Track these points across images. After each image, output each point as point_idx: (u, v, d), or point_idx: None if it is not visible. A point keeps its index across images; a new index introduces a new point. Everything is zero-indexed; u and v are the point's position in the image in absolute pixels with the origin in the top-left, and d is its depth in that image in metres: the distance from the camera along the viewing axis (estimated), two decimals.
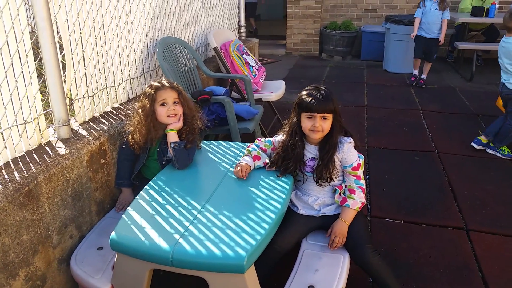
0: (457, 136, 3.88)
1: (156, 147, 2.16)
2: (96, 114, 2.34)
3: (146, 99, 2.08)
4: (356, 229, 1.91)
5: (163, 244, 1.51)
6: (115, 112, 2.41)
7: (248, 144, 2.16)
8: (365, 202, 2.01)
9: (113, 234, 1.59)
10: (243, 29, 4.89)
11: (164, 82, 2.12)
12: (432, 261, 2.26)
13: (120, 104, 2.55)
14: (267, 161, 2.06)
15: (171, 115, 2.09)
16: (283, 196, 1.82)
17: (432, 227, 2.58)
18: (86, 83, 2.22)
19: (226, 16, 4.45)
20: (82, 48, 2.17)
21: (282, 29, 8.01)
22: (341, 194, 1.97)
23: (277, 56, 7.48)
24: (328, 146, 1.92)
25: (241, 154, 2.21)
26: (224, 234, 1.55)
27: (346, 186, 1.99)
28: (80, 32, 2.14)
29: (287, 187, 1.90)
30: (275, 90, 3.52)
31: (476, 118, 4.35)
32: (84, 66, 2.20)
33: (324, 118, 1.88)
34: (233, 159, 2.15)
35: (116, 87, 2.50)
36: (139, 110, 2.10)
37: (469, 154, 3.53)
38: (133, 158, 2.20)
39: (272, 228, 1.63)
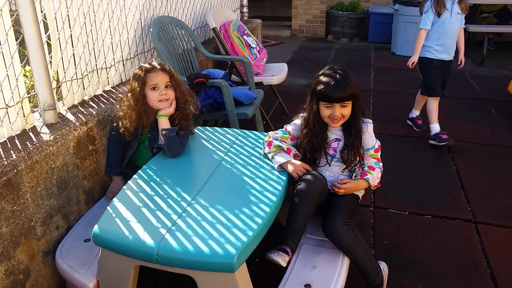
0: (466, 123, 3.73)
1: (147, 133, 2.04)
2: (86, 98, 2.22)
3: (136, 82, 1.95)
4: (338, 202, 1.81)
5: (148, 240, 1.41)
6: (106, 95, 2.29)
7: (267, 141, 1.96)
8: (379, 185, 1.95)
9: (96, 227, 1.49)
10: (245, 9, 4.71)
11: (155, 63, 1.99)
12: (438, 256, 2.15)
13: (112, 87, 2.43)
14: (298, 153, 1.97)
15: (162, 100, 1.97)
16: (279, 187, 1.71)
17: (438, 219, 2.46)
18: (75, 65, 2.10)
19: None
20: (70, 28, 2.04)
21: (287, 10, 7.78)
22: (360, 170, 1.93)
23: (281, 38, 7.28)
24: (354, 131, 1.88)
25: (237, 141, 2.09)
26: (214, 230, 1.45)
27: (366, 166, 1.95)
28: (67, 11, 2.00)
29: (283, 178, 1.79)
30: (276, 73, 3.38)
31: (486, 104, 4.18)
32: (72, 47, 2.07)
33: (343, 106, 1.81)
34: (228, 147, 2.03)
35: (108, 69, 2.37)
36: (129, 94, 1.98)
37: (479, 141, 3.38)
38: (123, 144, 2.09)
39: (266, 223, 1.52)
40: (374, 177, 1.90)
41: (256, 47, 3.44)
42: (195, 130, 2.20)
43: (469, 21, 6.02)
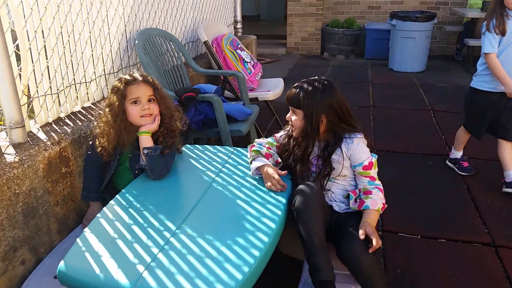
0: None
1: (128, 152, 1.82)
2: (62, 115, 2.01)
3: (115, 96, 1.74)
4: (352, 223, 1.57)
5: (122, 279, 1.17)
6: (84, 112, 2.08)
7: (250, 146, 1.84)
8: (386, 205, 1.68)
9: (61, 264, 1.25)
10: (239, 25, 4.56)
11: (136, 75, 1.78)
12: (457, 284, 1.91)
13: (93, 103, 2.22)
14: (279, 159, 1.80)
15: (145, 115, 1.75)
16: (278, 212, 1.49)
17: (453, 242, 2.22)
18: (49, 79, 1.89)
19: (220, 9, 4.11)
20: (43, 38, 1.84)
21: (282, 29, 7.68)
22: (356, 200, 1.67)
23: (276, 55, 7.15)
24: (329, 138, 1.72)
25: (230, 160, 1.87)
26: (202, 266, 1.21)
27: (360, 190, 1.69)
28: (40, 19, 1.81)
29: (283, 200, 1.56)
30: (272, 89, 3.18)
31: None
32: (46, 59, 1.87)
33: (293, 112, 1.72)
34: (220, 166, 1.81)
35: (88, 84, 2.17)
36: (107, 109, 1.76)
37: (488, 158, 3.17)
38: (101, 166, 1.86)
39: (265, 255, 1.29)
40: (375, 199, 1.64)
41: (250, 62, 3.26)
42: (183, 148, 1.98)
43: (468, 36, 5.93)
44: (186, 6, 3.29)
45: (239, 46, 3.31)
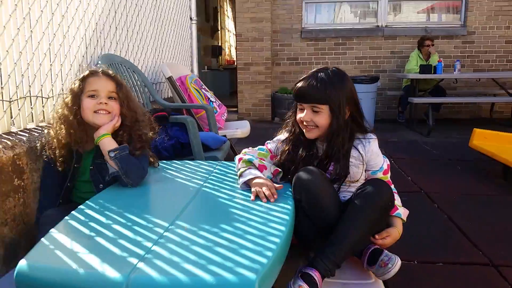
0: (439, 179, 3.56)
1: (88, 164, 1.53)
2: (14, 129, 1.71)
3: (71, 91, 1.51)
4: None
5: (111, 273, 0.87)
6: (40, 130, 1.79)
7: (238, 157, 1.58)
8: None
9: (21, 264, 0.92)
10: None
11: (98, 69, 1.56)
12: None
13: (49, 124, 1.93)
14: (279, 169, 1.55)
15: (99, 110, 1.48)
16: (288, 206, 1.26)
17: (452, 265, 2.07)
18: (1, 83, 1.62)
19: (179, 58, 4.05)
20: None
21: (231, 101, 7.82)
22: None
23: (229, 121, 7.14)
24: (335, 142, 1.47)
25: (216, 170, 1.65)
26: (213, 253, 0.95)
27: None
28: None
29: (288, 207, 1.34)
30: (240, 127, 3.05)
31: (451, 163, 4.11)
32: None
33: (315, 110, 1.45)
34: (207, 175, 1.58)
35: (44, 99, 1.90)
36: (60, 105, 1.51)
37: (459, 193, 3.18)
38: (58, 180, 1.54)
39: (285, 242, 1.05)
40: (404, 209, 1.54)
41: (215, 102, 3.14)
42: (159, 163, 1.72)
43: (407, 99, 6.32)
44: (147, 47, 3.18)
45: (203, 87, 3.20)
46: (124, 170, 1.41)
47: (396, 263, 1.39)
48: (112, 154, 1.42)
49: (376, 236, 1.42)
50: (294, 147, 1.52)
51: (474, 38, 6.68)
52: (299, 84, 1.50)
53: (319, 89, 1.42)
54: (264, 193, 1.33)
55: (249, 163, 1.53)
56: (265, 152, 1.62)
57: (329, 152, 1.48)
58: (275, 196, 1.33)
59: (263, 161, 1.56)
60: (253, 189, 1.36)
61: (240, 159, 1.57)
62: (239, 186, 1.45)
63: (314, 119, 1.45)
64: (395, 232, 1.49)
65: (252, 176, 1.44)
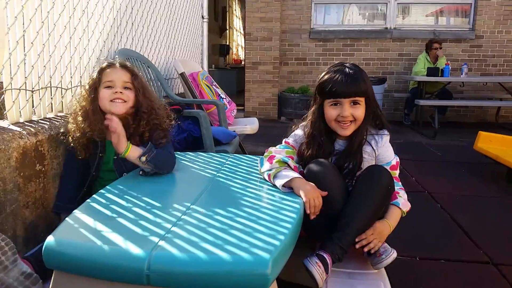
0: (443, 180, 3.61)
1: (112, 153, 1.60)
2: (35, 118, 1.78)
3: (89, 82, 1.60)
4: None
5: (134, 250, 0.94)
6: (59, 118, 1.86)
7: (267, 157, 1.53)
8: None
9: (49, 239, 0.99)
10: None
11: (115, 61, 1.65)
12: None
13: (69, 113, 2.01)
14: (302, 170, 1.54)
15: (115, 99, 1.56)
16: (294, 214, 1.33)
17: (453, 262, 2.12)
18: (25, 73, 1.70)
19: (190, 56, 4.13)
20: (23, 26, 1.68)
21: (238, 100, 7.88)
22: None
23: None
24: (357, 136, 1.48)
25: (228, 162, 1.71)
26: (228, 235, 1.02)
27: None
28: (22, 6, 1.66)
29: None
30: (249, 124, 3.12)
31: (455, 165, 4.15)
32: (24, 51, 1.69)
33: (354, 103, 1.45)
34: (220, 166, 1.64)
35: (63, 90, 1.97)
36: (79, 97, 1.60)
37: (462, 194, 3.22)
38: (80, 171, 1.62)
39: (296, 228, 1.12)
40: (406, 200, 1.54)
41: (226, 98, 3.21)
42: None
43: (414, 102, 6.35)
44: (160, 43, 3.26)
45: (214, 83, 3.28)
46: (158, 167, 1.49)
47: (390, 255, 1.42)
48: (144, 159, 1.47)
49: (357, 246, 1.38)
50: (318, 148, 1.51)
51: (482, 42, 6.70)
52: (332, 81, 1.46)
53: (357, 82, 1.43)
54: (315, 205, 1.31)
55: (284, 164, 1.48)
56: (290, 149, 1.59)
57: (349, 148, 1.50)
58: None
59: (293, 161, 1.53)
60: (305, 199, 1.30)
61: (271, 158, 1.49)
62: (279, 187, 1.38)
63: (354, 113, 1.45)
64: (382, 226, 1.45)
65: (294, 176, 1.39)
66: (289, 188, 1.38)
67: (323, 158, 1.49)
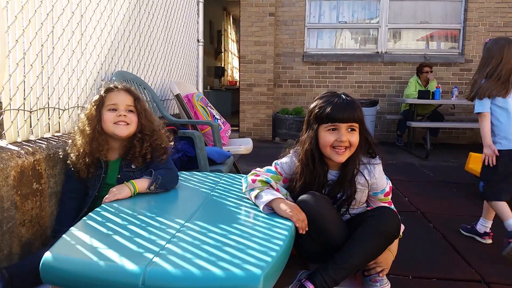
0: (435, 200, 3.64)
1: (115, 172, 1.64)
2: (32, 137, 1.81)
3: (93, 103, 1.64)
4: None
5: (128, 265, 0.96)
6: (57, 139, 1.90)
7: (251, 176, 1.56)
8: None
9: (47, 255, 1.02)
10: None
11: (118, 84, 1.70)
12: None
13: (71, 133, 2.04)
14: (288, 196, 1.53)
15: (119, 121, 1.61)
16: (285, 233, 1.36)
17: (446, 281, 2.14)
18: (24, 94, 1.74)
19: (186, 78, 4.20)
20: (24, 49, 1.73)
21: (233, 121, 7.95)
22: None
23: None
24: (350, 165, 1.49)
25: (222, 181, 1.74)
26: (221, 252, 1.04)
27: None
28: (23, 30, 1.72)
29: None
30: (243, 144, 3.16)
31: (447, 185, 4.20)
32: (24, 73, 1.74)
33: (351, 130, 1.46)
34: (214, 185, 1.67)
35: (61, 111, 2.01)
36: (82, 116, 1.64)
37: (454, 214, 3.26)
38: (80, 194, 1.65)
39: (287, 246, 1.14)
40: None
41: (220, 119, 3.26)
42: None
43: (406, 123, 6.44)
44: (157, 65, 3.32)
45: (209, 104, 3.33)
46: (167, 188, 1.56)
47: (384, 285, 1.45)
48: (153, 188, 1.53)
49: (365, 273, 1.46)
50: (311, 176, 1.51)
51: (471, 66, 6.86)
52: (331, 105, 1.46)
53: (354, 108, 1.46)
54: (300, 219, 1.33)
55: (266, 184, 1.50)
56: (277, 174, 1.60)
57: (343, 177, 1.51)
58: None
59: (277, 184, 1.54)
60: (291, 214, 1.32)
61: (254, 180, 1.51)
62: (260, 208, 1.39)
63: (350, 139, 1.46)
64: (384, 254, 1.50)
65: (275, 197, 1.40)
66: (269, 208, 1.39)
67: (316, 188, 1.50)
